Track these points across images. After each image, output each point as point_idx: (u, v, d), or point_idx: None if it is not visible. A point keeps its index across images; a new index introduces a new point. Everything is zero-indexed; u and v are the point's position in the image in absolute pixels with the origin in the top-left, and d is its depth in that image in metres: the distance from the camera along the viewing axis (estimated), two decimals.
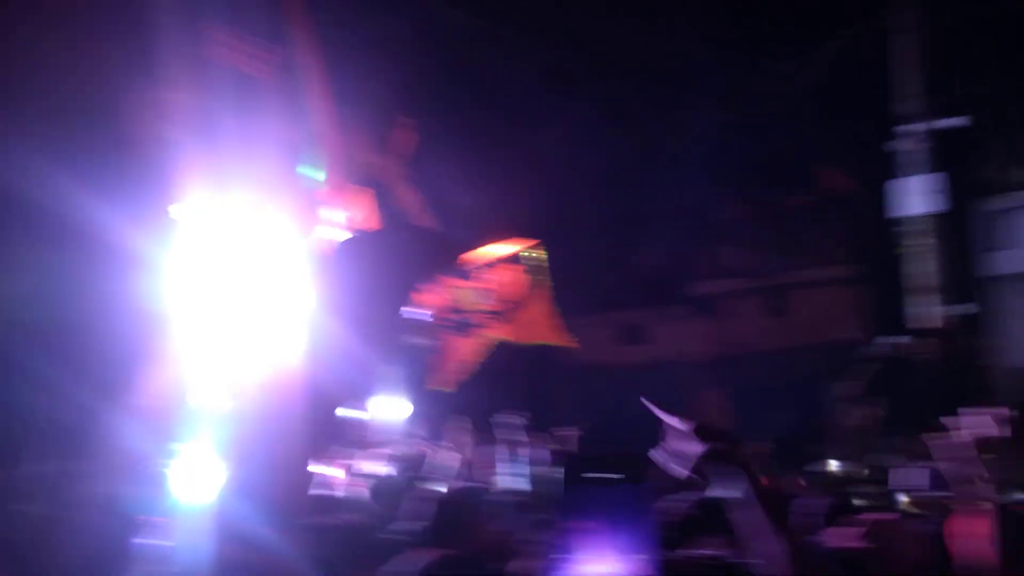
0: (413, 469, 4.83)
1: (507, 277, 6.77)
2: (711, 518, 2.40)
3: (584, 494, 2.33)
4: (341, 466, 4.72)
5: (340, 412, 6.10)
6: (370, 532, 3.11)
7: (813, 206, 12.22)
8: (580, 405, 12.14)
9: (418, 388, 6.77)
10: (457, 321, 6.70)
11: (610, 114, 10.92)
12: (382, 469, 5.02)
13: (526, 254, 6.81)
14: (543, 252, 6.77)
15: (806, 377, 12.34)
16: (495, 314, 6.73)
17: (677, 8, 10.27)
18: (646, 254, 13.98)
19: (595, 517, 2.04)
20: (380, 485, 4.38)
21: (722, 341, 13.54)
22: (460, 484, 3.04)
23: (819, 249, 12.30)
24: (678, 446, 1.97)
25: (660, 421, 1.98)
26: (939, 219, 9.98)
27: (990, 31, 10.18)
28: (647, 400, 2.02)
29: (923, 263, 10.00)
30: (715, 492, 2.12)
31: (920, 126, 9.57)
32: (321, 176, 5.33)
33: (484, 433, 4.93)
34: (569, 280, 7.72)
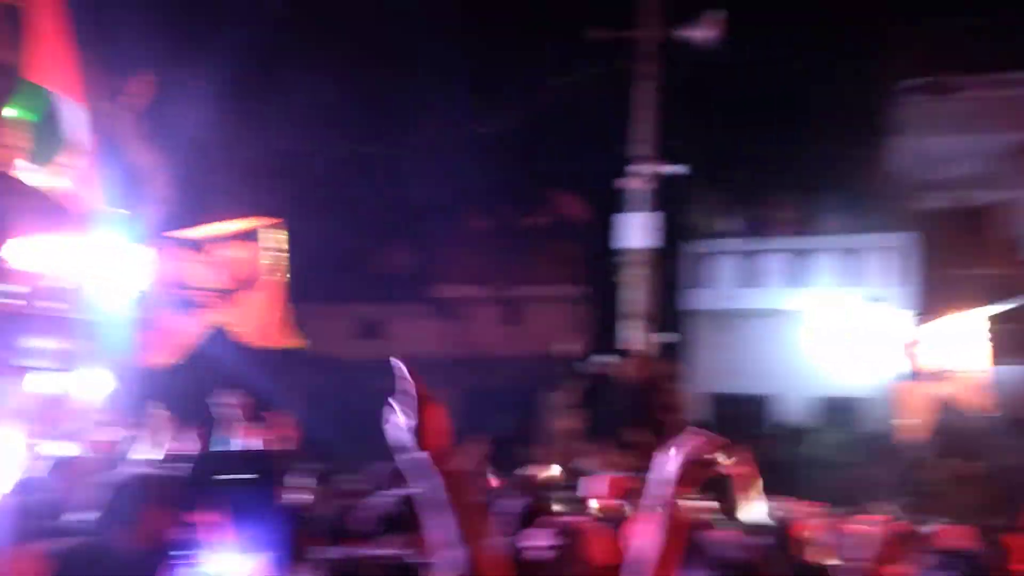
0: (103, 451, 4.44)
1: (241, 255, 6.40)
2: (414, 515, 2.48)
3: (214, 492, 2.32)
4: (21, 442, 4.21)
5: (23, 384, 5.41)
6: (42, 516, 2.82)
7: (550, 227, 13.06)
8: (309, 396, 11.88)
9: (124, 365, 6.20)
10: (180, 297, 6.23)
11: (367, 108, 10.91)
12: (69, 449, 4.56)
13: (264, 233, 6.46)
14: (282, 232, 6.45)
15: (528, 385, 13.12)
16: (223, 293, 6.34)
17: (443, 20, 10.51)
18: (392, 251, 14.10)
19: (224, 514, 2.03)
20: (63, 466, 3.98)
21: (456, 343, 14.00)
22: (139, 470, 2.85)
23: (551, 268, 13.19)
24: (400, 432, 2.04)
25: (400, 392, 2.01)
26: (653, 254, 11.09)
27: (713, 96, 11.58)
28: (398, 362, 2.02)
29: (636, 292, 11.04)
30: (414, 488, 2.19)
31: (646, 168, 10.59)
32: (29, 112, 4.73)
33: (190, 418, 4.65)
34: (309, 267, 7.53)
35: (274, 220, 6.45)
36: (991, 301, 9.65)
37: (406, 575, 2.07)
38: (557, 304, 13.52)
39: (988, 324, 8.83)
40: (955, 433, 10.25)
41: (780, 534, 4.01)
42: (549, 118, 12.32)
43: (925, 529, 5.28)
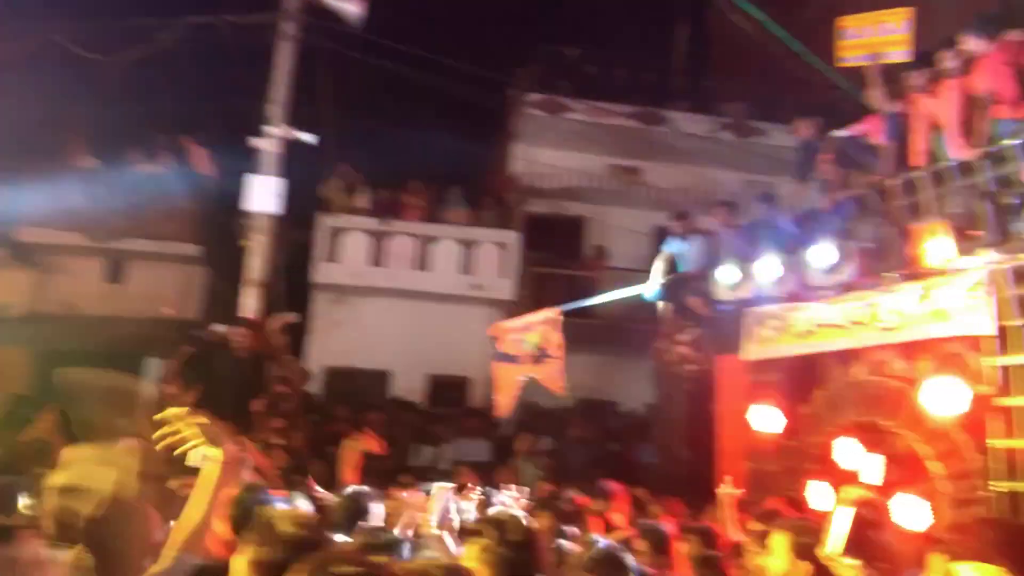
0: None
1: None
2: None
3: None
4: None
5: None
6: None
7: (170, 178, 11.96)
8: None
9: None
10: None
11: None
12: None
13: None
14: None
15: (130, 349, 11.95)
16: None
17: None
18: None
19: None
20: None
21: (43, 296, 12.23)
22: None
23: (166, 223, 12.10)
24: None
25: None
26: (282, 222, 10.80)
27: (356, 73, 11.62)
28: None
29: (259, 259, 10.67)
30: None
31: (278, 131, 10.27)
32: None
33: None
34: None
35: None
36: (575, 298, 11.09)
37: None
38: (170, 263, 12.46)
39: (570, 318, 10.11)
40: (533, 412, 11.64)
41: (357, 504, 4.19)
42: (185, 60, 11.34)
43: (497, 497, 5.89)
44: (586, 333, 11.44)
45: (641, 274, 12.26)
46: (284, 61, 10.50)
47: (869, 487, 5.10)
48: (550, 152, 13.91)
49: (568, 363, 9.68)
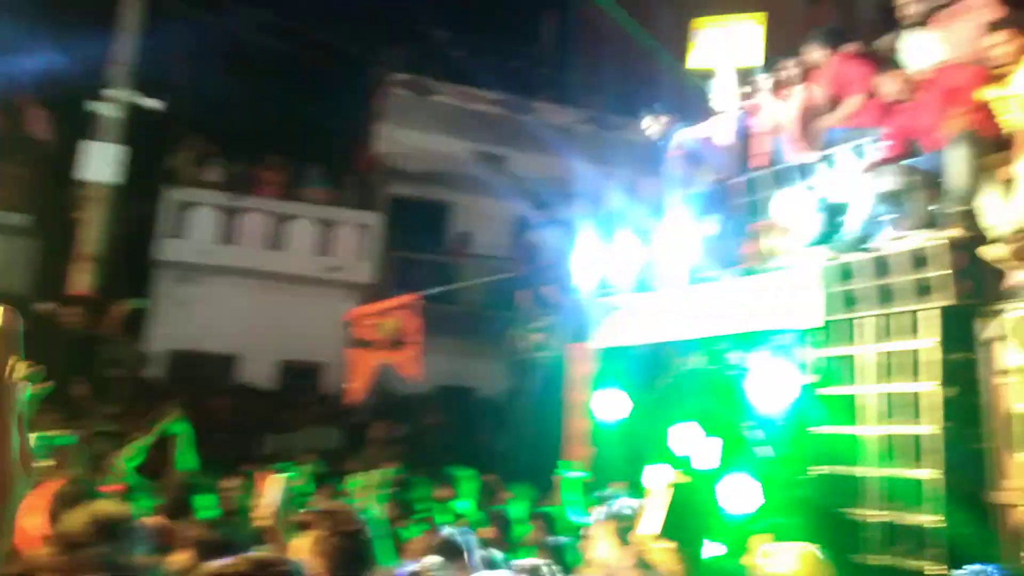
0: None
1: None
2: None
3: None
4: None
5: None
6: None
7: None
8: None
9: None
10: None
11: None
12: None
13: None
14: None
15: None
16: None
17: None
18: None
19: None
20: None
21: None
22: None
23: None
24: None
25: None
26: (122, 193, 10.10)
27: (209, 40, 11.00)
28: None
29: (93, 232, 9.95)
30: None
31: (120, 95, 9.60)
32: None
33: None
34: None
35: None
36: (437, 284, 11.02)
37: None
38: None
39: (430, 303, 10.03)
40: (389, 399, 11.51)
41: (186, 492, 3.98)
42: (22, 13, 10.35)
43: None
44: (446, 319, 11.39)
45: (503, 262, 12.34)
46: (131, 20, 9.80)
47: (697, 471, 5.33)
48: (416, 134, 13.72)
49: (427, 349, 9.61)
